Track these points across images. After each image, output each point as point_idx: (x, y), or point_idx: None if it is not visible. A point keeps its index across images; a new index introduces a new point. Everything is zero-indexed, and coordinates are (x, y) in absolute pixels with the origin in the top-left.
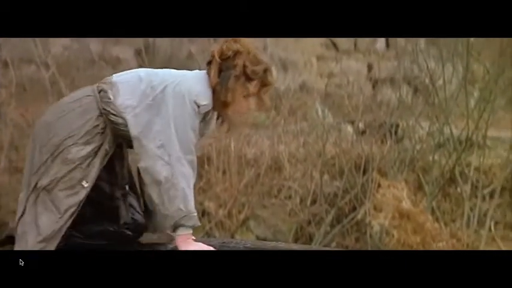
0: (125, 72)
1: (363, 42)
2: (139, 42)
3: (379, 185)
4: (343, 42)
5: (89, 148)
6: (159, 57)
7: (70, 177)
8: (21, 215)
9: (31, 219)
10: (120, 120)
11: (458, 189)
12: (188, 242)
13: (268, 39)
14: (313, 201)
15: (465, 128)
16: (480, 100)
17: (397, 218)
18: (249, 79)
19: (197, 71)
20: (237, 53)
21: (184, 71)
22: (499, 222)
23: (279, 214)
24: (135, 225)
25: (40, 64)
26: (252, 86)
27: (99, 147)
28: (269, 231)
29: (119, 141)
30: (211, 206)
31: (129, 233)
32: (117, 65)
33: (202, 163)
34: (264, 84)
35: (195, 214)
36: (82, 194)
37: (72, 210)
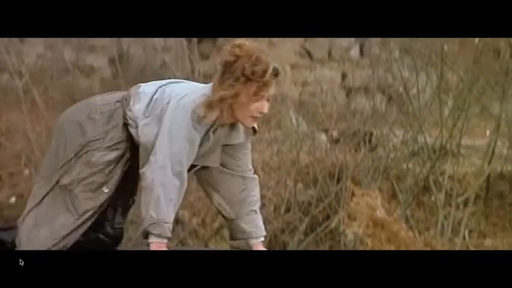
0: (152, 82)
1: (337, 50)
2: (113, 50)
3: (353, 194)
4: (317, 51)
5: (112, 155)
6: (133, 66)
7: (91, 181)
8: (36, 206)
9: (48, 215)
10: (134, 129)
11: (433, 198)
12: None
13: None
14: (287, 210)
15: (439, 136)
16: (454, 108)
17: (371, 226)
18: (248, 79)
19: (208, 84)
20: (238, 58)
21: (198, 84)
22: (473, 231)
23: None
24: (114, 233)
25: (13, 72)
26: (254, 87)
27: (122, 155)
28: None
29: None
30: (185, 215)
31: (107, 240)
32: (91, 74)
33: None
34: (263, 83)
35: (167, 224)
36: (101, 199)
37: (89, 213)
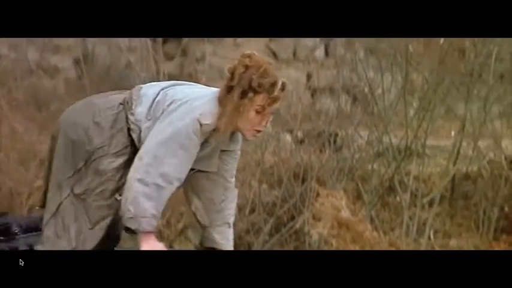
0: (153, 83)
1: (302, 50)
2: (77, 51)
3: (317, 194)
4: (283, 51)
5: (120, 160)
6: (98, 66)
7: (103, 189)
8: (53, 216)
9: (65, 225)
10: (135, 134)
11: (398, 198)
12: (149, 243)
13: (207, 49)
14: (252, 210)
15: (404, 137)
16: (419, 109)
17: (336, 227)
18: (255, 92)
19: (213, 90)
20: (247, 68)
21: (201, 90)
22: (438, 231)
23: None
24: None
25: None
26: (259, 100)
27: (129, 160)
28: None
29: None
30: None
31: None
32: (55, 74)
33: None
34: (272, 98)
35: (145, 218)
36: (115, 207)
37: (105, 222)
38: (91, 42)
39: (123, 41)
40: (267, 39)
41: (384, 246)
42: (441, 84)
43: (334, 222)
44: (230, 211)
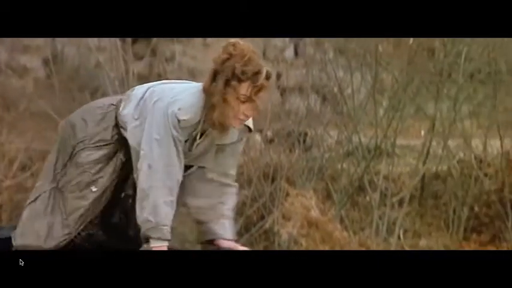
0: (146, 84)
1: (272, 50)
2: (47, 51)
3: (287, 194)
4: None
5: (98, 153)
6: (67, 66)
7: (78, 181)
8: (33, 202)
9: (41, 211)
10: (125, 132)
11: (367, 198)
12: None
13: (177, 49)
14: None
15: (374, 136)
16: (389, 108)
17: (306, 226)
18: (239, 80)
19: (198, 85)
20: (230, 56)
21: (187, 84)
22: (408, 231)
23: (187, 223)
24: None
25: None
26: (244, 89)
27: (112, 155)
28: (177, 239)
29: None
30: None
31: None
32: (24, 74)
33: None
34: (256, 87)
35: (166, 227)
36: (89, 199)
37: (78, 213)
38: (60, 42)
39: (93, 41)
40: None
41: (353, 245)
42: (411, 83)
43: (303, 221)
44: (229, 206)
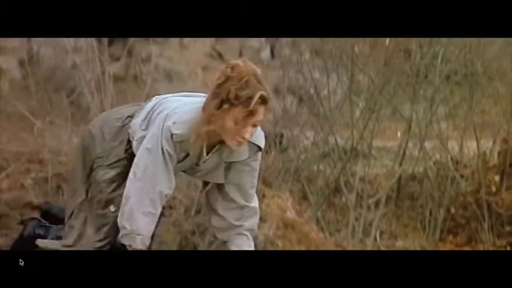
0: (161, 95)
1: (248, 51)
2: (22, 52)
3: (263, 195)
4: (228, 52)
5: (113, 172)
6: (43, 67)
7: (98, 199)
8: (69, 219)
9: (78, 227)
10: (133, 143)
11: (343, 199)
12: None
13: (153, 50)
14: (198, 211)
15: (350, 137)
16: (365, 110)
17: (282, 228)
18: (231, 104)
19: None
20: (227, 78)
21: (192, 100)
22: (384, 232)
23: (164, 224)
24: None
25: None
26: (236, 112)
27: (126, 172)
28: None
29: None
30: None
31: None
32: (0, 75)
33: None
34: (249, 112)
35: (140, 236)
36: (110, 217)
37: (104, 230)
38: (36, 43)
39: (69, 42)
40: (213, 40)
41: (330, 247)
42: (387, 85)
43: (280, 223)
44: (247, 226)
